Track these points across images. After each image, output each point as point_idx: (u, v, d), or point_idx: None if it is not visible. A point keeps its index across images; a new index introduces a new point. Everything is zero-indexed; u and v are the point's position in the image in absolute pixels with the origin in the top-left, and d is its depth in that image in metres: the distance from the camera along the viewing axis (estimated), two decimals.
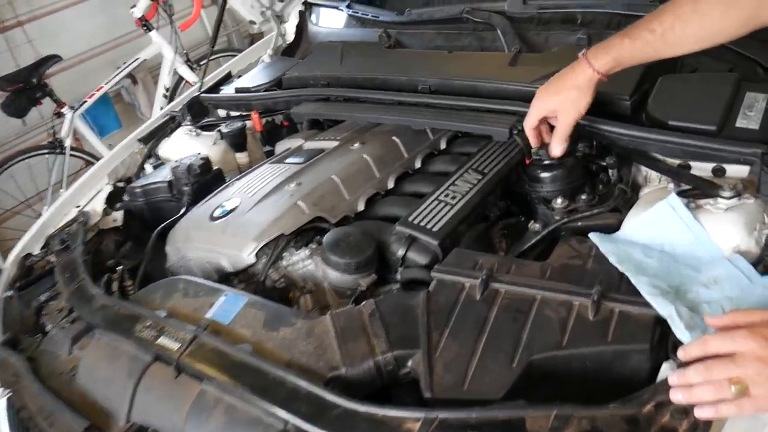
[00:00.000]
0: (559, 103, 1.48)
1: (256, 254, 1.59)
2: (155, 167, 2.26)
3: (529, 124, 1.55)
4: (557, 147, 1.53)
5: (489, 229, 1.68)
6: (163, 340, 1.39)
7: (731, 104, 1.52)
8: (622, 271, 1.29)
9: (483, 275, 1.32)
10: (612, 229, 1.47)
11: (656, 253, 1.34)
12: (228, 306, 1.44)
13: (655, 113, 1.57)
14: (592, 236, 1.40)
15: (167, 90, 4.41)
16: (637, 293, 1.22)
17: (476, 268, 1.38)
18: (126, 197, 2.11)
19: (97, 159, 3.71)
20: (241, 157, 2.27)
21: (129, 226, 2.10)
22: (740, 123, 1.48)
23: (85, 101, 4.20)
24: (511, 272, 1.36)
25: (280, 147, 2.15)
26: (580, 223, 1.49)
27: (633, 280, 1.24)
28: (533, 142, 1.58)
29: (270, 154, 2.25)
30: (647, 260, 1.32)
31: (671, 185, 1.50)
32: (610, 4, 1.94)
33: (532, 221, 1.62)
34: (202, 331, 1.37)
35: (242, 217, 1.67)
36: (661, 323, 1.17)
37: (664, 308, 1.16)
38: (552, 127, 1.56)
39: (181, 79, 4.50)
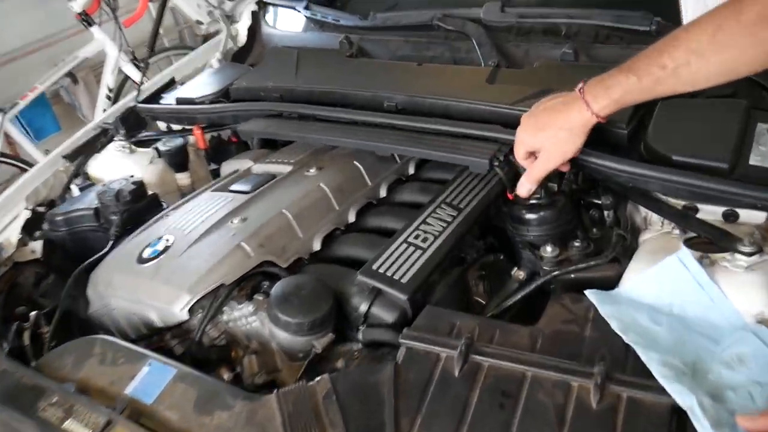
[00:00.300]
0: (544, 141, 1.26)
1: (191, 308, 1.33)
2: (82, 189, 1.97)
3: (519, 156, 1.34)
4: (524, 187, 1.33)
5: (465, 271, 1.46)
6: (70, 424, 1.13)
7: (742, 137, 1.33)
8: (627, 342, 1.08)
9: (462, 345, 1.10)
10: (610, 283, 1.27)
11: (665, 319, 1.13)
12: (152, 379, 1.19)
13: (656, 145, 1.36)
14: (590, 295, 1.19)
15: (111, 90, 4.06)
16: (646, 370, 1.02)
17: (453, 334, 1.16)
18: (46, 225, 1.82)
19: (31, 167, 3.36)
20: (182, 178, 2.00)
21: (50, 257, 1.81)
22: (754, 160, 1.28)
23: (18, 102, 3.82)
24: (495, 340, 1.14)
25: (227, 168, 1.89)
26: (573, 275, 1.28)
27: (643, 357, 1.04)
28: (526, 165, 1.37)
29: (217, 173, 1.99)
30: (656, 328, 1.11)
31: (676, 230, 1.30)
32: (597, 15, 1.73)
33: (516, 268, 1.40)
34: (118, 414, 1.12)
35: (175, 261, 1.41)
36: (678, 412, 0.97)
37: (683, 397, 0.95)
38: None
39: (126, 78, 4.16)
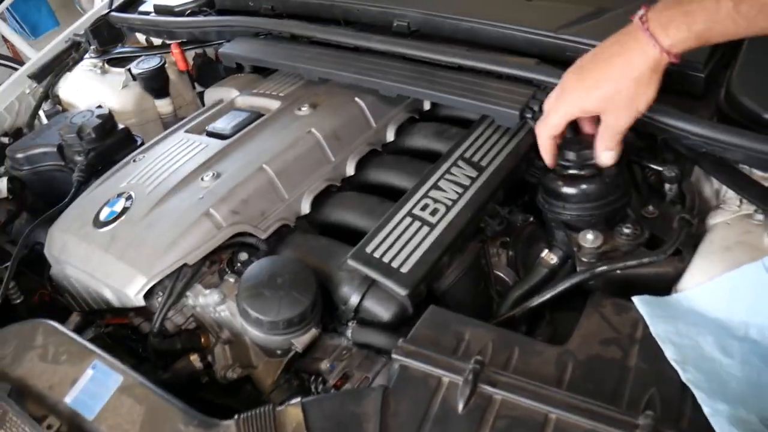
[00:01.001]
0: (604, 102, 0.93)
1: (151, 290, 1.11)
2: (50, 117, 1.71)
3: (548, 133, 1.01)
4: (608, 154, 0.99)
5: (484, 246, 1.20)
6: None
7: None
8: (685, 382, 0.82)
9: (470, 369, 0.86)
10: (668, 281, 0.99)
11: (738, 347, 0.86)
12: (95, 388, 0.99)
13: (742, 98, 1.03)
14: (639, 304, 0.92)
15: None
16: (710, 426, 0.77)
17: (460, 351, 0.92)
18: (8, 162, 1.59)
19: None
20: (163, 105, 1.73)
21: (19, 195, 1.59)
22: None
23: None
24: (512, 365, 0.90)
25: (210, 96, 1.60)
26: (619, 271, 1.00)
27: (705, 410, 0.78)
28: (548, 158, 1.05)
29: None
30: (726, 360, 0.85)
31: (759, 215, 1.00)
32: None
33: (546, 249, 1.13)
34: None
35: (133, 228, 1.17)
36: None
37: None
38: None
39: None
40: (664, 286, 1.00)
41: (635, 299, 0.93)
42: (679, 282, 0.98)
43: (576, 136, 1.05)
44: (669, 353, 0.85)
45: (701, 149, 1.02)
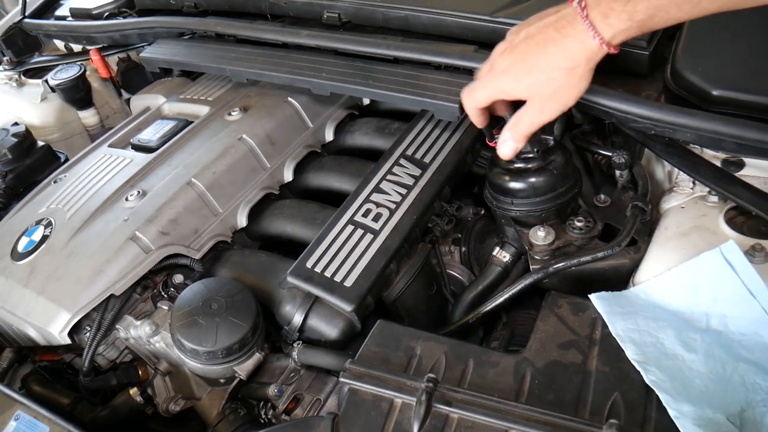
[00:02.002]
0: (533, 89, 0.86)
1: (77, 325, 1.02)
2: None
3: (473, 104, 0.94)
4: (507, 146, 0.93)
5: (434, 247, 1.14)
6: None
7: None
8: (648, 383, 0.78)
9: (423, 388, 0.80)
10: (624, 273, 0.95)
11: (700, 339, 0.82)
12: None
13: (689, 75, 0.98)
14: (597, 302, 0.87)
15: None
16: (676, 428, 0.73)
17: (412, 368, 0.86)
18: None
19: None
20: (88, 116, 1.61)
21: None
22: None
23: None
24: (467, 378, 0.84)
25: (136, 104, 1.49)
26: (575, 268, 0.95)
27: (671, 412, 0.74)
28: (477, 123, 0.98)
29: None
30: (688, 356, 0.81)
31: (714, 195, 0.96)
32: None
33: (498, 247, 1.07)
34: None
35: (54, 259, 1.08)
36: None
37: None
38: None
39: None
40: (621, 277, 0.96)
41: (592, 297, 0.88)
42: (637, 273, 0.93)
43: None
44: (630, 353, 0.81)
45: (650, 131, 0.97)
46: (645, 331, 0.83)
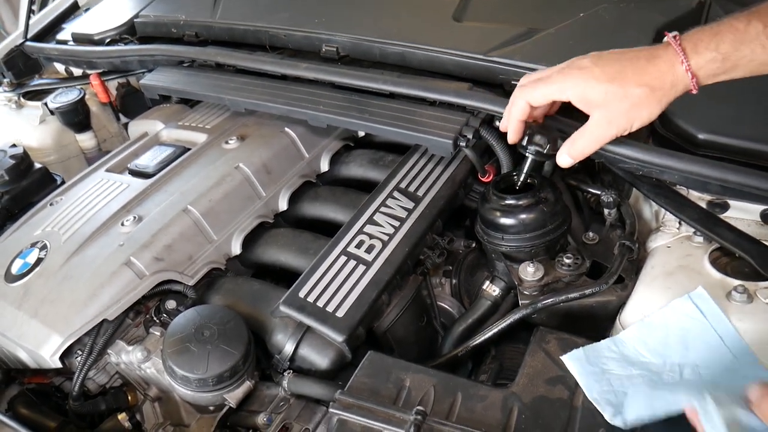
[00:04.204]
0: (609, 98, 0.82)
1: (69, 348, 1.02)
2: None
3: (528, 98, 0.88)
4: (567, 160, 0.88)
5: (425, 279, 1.15)
6: None
7: None
8: None
9: (411, 420, 0.81)
10: (611, 309, 0.97)
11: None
12: None
13: (675, 118, 1.01)
14: (569, 363, 0.87)
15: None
16: None
17: (401, 401, 0.87)
18: None
19: None
20: (85, 140, 1.63)
21: None
22: None
23: None
24: (455, 412, 0.85)
25: (135, 129, 1.51)
26: (563, 304, 0.96)
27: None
28: (514, 127, 0.91)
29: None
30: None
31: (699, 236, 0.98)
32: None
33: (488, 281, 1.09)
34: None
35: (48, 282, 1.08)
36: None
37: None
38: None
39: None
40: (608, 314, 0.98)
41: (565, 359, 0.88)
42: (623, 310, 0.95)
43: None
44: (608, 416, 0.81)
45: (638, 172, 1.00)
46: (620, 392, 0.84)
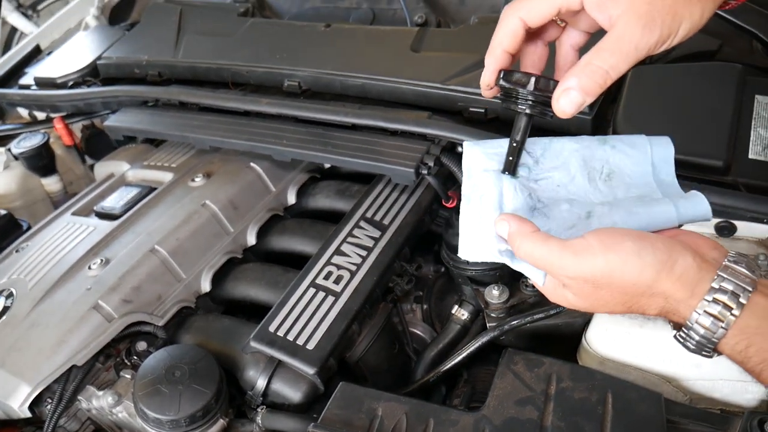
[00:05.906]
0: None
1: (38, 397, 1.01)
2: None
3: (518, 15, 0.67)
4: (576, 97, 0.62)
5: (395, 306, 1.16)
6: None
7: (738, 118, 1.02)
8: None
9: None
10: (577, 327, 0.98)
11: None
12: None
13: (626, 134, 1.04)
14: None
15: None
16: None
17: (374, 431, 0.87)
18: None
19: None
20: (50, 183, 1.62)
21: None
22: (754, 153, 0.99)
23: None
24: None
25: (100, 171, 1.52)
26: (529, 324, 0.98)
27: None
28: (497, 53, 0.69)
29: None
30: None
31: None
32: None
33: (456, 305, 1.11)
34: None
35: (14, 330, 1.07)
36: None
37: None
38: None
39: (14, 30, 3.59)
40: (575, 332, 0.99)
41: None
42: (588, 328, 0.97)
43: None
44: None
45: None
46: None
